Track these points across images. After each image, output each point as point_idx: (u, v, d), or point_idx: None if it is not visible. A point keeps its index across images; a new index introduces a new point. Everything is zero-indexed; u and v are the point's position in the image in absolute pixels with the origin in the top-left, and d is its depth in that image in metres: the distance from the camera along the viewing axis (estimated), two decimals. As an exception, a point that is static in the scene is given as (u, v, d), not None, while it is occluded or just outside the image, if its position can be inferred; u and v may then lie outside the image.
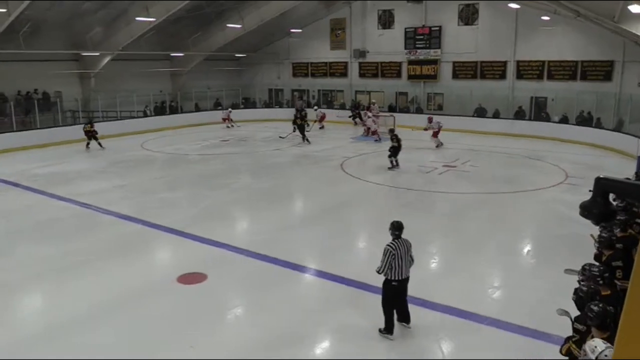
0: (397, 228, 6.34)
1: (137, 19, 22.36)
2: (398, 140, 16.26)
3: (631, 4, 14.46)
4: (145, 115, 26.39)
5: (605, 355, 3.45)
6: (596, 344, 3.65)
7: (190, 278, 8.09)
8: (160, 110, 27.76)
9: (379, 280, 7.80)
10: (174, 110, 28.11)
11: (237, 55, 31.54)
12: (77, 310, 7.12)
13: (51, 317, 7.07)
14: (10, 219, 11.54)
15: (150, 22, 22.55)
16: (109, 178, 15.33)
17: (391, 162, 16.22)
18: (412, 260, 6.45)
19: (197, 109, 28.98)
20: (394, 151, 16.24)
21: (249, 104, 31.77)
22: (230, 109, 27.65)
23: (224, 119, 27.04)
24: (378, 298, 6.55)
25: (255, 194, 13.84)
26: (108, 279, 8.20)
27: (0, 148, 19.16)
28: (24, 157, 18.65)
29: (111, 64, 25.07)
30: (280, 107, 31.19)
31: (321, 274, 8.32)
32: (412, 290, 6.79)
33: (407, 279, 6.35)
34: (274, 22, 27.12)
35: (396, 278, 6.22)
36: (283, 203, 13.04)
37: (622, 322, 0.74)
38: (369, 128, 22.72)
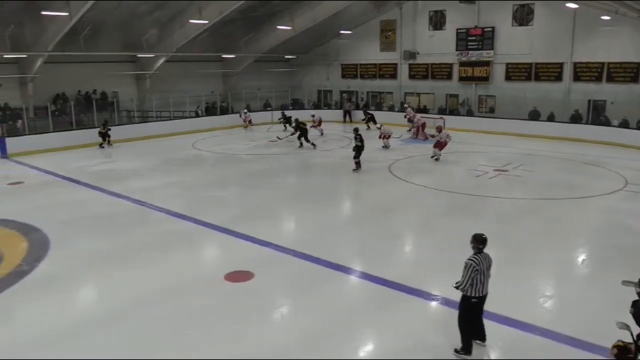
0: (480, 242, 5.89)
1: (191, 21, 22.90)
2: (362, 140, 15.88)
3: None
4: (197, 116, 27.00)
5: None
6: None
7: (237, 276, 8.20)
8: (211, 111, 28.34)
9: (423, 284, 7.71)
10: (224, 111, 28.63)
11: (287, 56, 31.82)
12: (126, 301, 7.35)
13: (101, 307, 7.31)
14: (68, 212, 12.03)
15: (204, 24, 23.05)
16: (160, 176, 15.76)
17: (356, 163, 15.87)
18: (490, 275, 6.01)
19: (249, 109, 29.39)
20: (358, 151, 15.83)
21: (297, 104, 31.97)
22: (246, 110, 27.19)
23: (245, 121, 26.63)
24: (421, 302, 6.44)
25: (302, 194, 13.92)
26: (158, 273, 8.42)
27: (61, 145, 20.01)
28: (82, 154, 19.41)
29: (165, 65, 25.82)
30: (329, 108, 31.24)
31: (366, 276, 8.26)
32: (455, 295, 6.63)
33: (486, 296, 5.95)
34: (325, 23, 27.21)
35: (477, 295, 5.82)
36: (330, 204, 13.04)
37: None
38: (417, 129, 22.47)
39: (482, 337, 6.13)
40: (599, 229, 10.93)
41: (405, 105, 25.94)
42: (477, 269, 5.74)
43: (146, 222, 11.33)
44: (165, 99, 25.23)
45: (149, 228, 10.93)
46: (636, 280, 5.26)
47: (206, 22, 22.87)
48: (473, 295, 5.83)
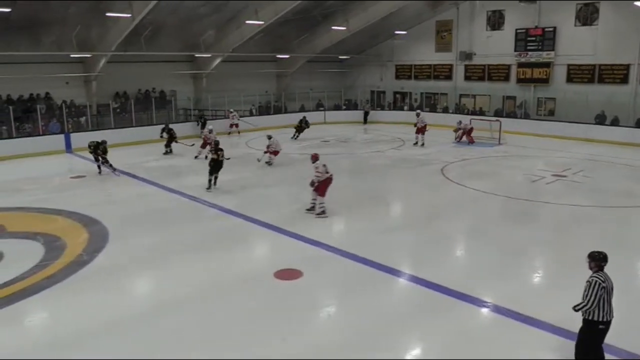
0: (603, 259, 5.38)
1: (247, 22, 23.30)
2: (217, 152, 13.71)
3: None
4: (251, 115, 27.44)
5: None
6: None
7: (287, 274, 8.28)
8: (265, 110, 28.72)
9: (474, 290, 7.54)
10: (277, 110, 28.96)
11: (340, 57, 31.86)
12: (177, 296, 7.56)
13: (153, 299, 7.59)
14: (126, 206, 12.54)
15: (260, 24, 23.41)
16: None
17: (210, 180, 13.64)
18: None
19: (302, 109, 29.63)
20: (215, 166, 13.55)
21: (350, 105, 31.96)
22: (235, 112, 24.73)
23: (232, 125, 24.30)
24: (471, 308, 6.25)
25: (353, 195, 13.87)
26: (209, 268, 8.63)
27: (121, 142, 20.80)
28: (141, 151, 20.10)
29: (221, 65, 26.40)
30: (382, 109, 31.08)
31: (415, 279, 8.16)
32: (510, 303, 6.47)
33: (611, 321, 5.30)
34: (379, 24, 27.07)
35: (605, 319, 5.19)
36: (380, 206, 12.97)
37: None
38: (463, 133, 21.95)
39: None
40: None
41: (417, 112, 22.79)
42: (604, 286, 5.17)
43: (200, 218, 11.62)
44: (221, 98, 25.77)
45: (202, 224, 11.21)
46: None
47: (262, 22, 23.22)
48: (601, 319, 5.19)
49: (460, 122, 22.35)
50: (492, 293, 7.55)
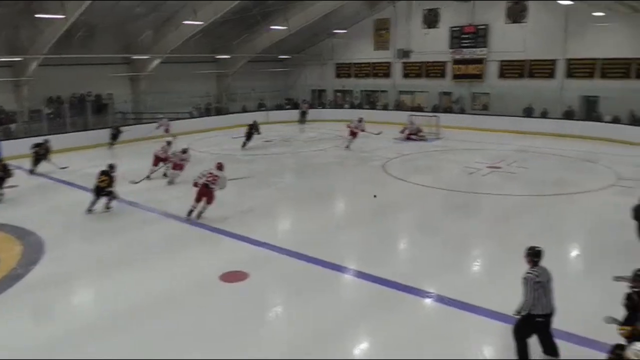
0: (535, 255, 5.60)
1: (186, 22, 22.89)
2: (5, 170, 13.29)
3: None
4: (192, 117, 26.98)
5: None
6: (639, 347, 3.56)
7: (233, 276, 8.23)
8: (206, 112, 28.31)
9: (422, 283, 7.77)
10: (219, 112, 28.60)
11: (281, 56, 31.83)
12: (121, 306, 7.36)
13: (99, 311, 7.34)
14: (62, 215, 12.05)
15: (198, 25, 23.05)
16: (156, 178, 15.72)
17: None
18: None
19: (244, 109, 29.39)
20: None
21: (292, 104, 32.00)
22: (165, 118, 23.15)
23: (167, 131, 22.29)
24: (419, 300, 6.45)
25: (299, 194, 13.95)
26: (153, 275, 8.44)
27: (56, 148, 19.94)
28: (76, 157, 19.34)
29: (160, 66, 25.76)
30: (324, 107, 31.29)
31: (363, 275, 8.30)
32: (456, 294, 6.70)
33: (552, 314, 5.56)
34: (319, 23, 27.24)
35: (542, 312, 5.43)
36: (326, 204, 13.09)
37: None
38: (410, 132, 22.40)
39: (554, 352, 5.70)
40: (592, 224, 11.01)
41: (360, 117, 21.78)
42: (539, 281, 5.40)
43: (142, 224, 11.33)
44: (160, 100, 25.19)
45: (144, 230, 10.94)
46: (628, 275, 5.33)
47: (201, 23, 22.88)
48: (538, 313, 5.41)
49: (412, 123, 22.78)
50: (439, 285, 7.80)
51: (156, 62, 25.68)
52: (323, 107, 31.33)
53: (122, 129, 21.73)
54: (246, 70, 30.05)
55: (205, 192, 11.12)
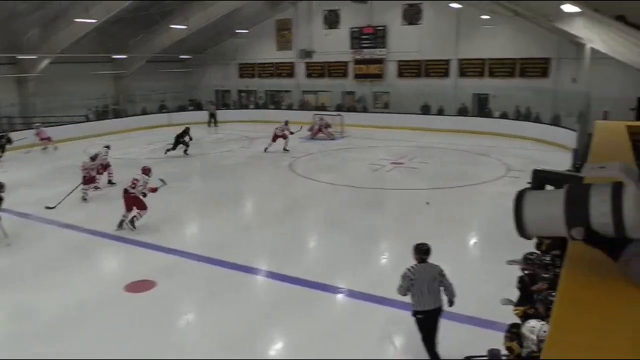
0: (420, 252, 5.70)
1: (77, 20, 21.60)
2: None
3: (564, 3, 15.17)
4: (88, 120, 25.54)
5: (544, 332, 3.65)
6: (533, 324, 3.86)
7: (139, 286, 7.91)
8: (103, 115, 26.92)
9: (334, 280, 7.90)
10: (117, 114, 27.30)
11: (182, 56, 30.95)
12: (22, 326, 6.85)
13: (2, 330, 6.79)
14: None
15: (91, 23, 21.84)
16: (52, 186, 14.72)
17: None
18: (447, 286, 5.73)
19: (144, 112, 28.26)
20: None
21: (195, 105, 31.26)
22: (39, 124, 21.29)
23: (43, 139, 20.57)
24: (331, 297, 6.56)
25: (206, 197, 13.68)
26: (55, 289, 7.90)
27: None
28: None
29: (50, 67, 24.08)
30: (228, 108, 30.87)
31: (275, 276, 8.31)
32: (368, 288, 6.88)
33: (436, 311, 5.64)
34: (220, 22, 26.81)
35: (420, 309, 5.58)
36: (235, 206, 12.94)
37: (557, 301, 0.82)
38: (318, 129, 22.65)
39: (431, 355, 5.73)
40: (487, 213, 11.78)
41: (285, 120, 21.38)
42: (412, 279, 5.52)
43: (41, 236, 10.54)
44: (52, 103, 23.59)
45: (43, 242, 10.19)
46: (520, 258, 5.76)
47: (94, 21, 21.70)
48: (417, 309, 5.60)
49: (322, 119, 22.98)
50: (349, 279, 7.98)
51: (46, 62, 23.97)
52: (228, 108, 30.89)
53: (12, 137, 19.91)
54: (146, 70, 28.87)
55: (129, 199, 10.49)
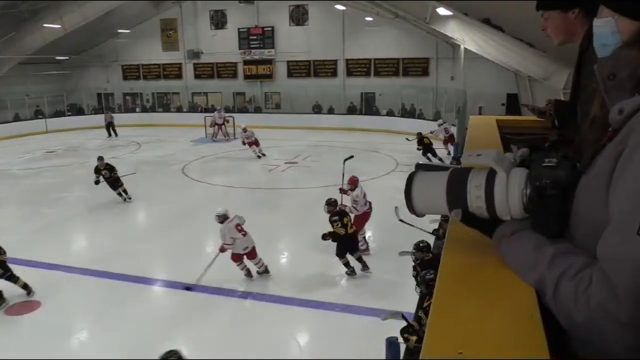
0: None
1: None
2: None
3: (439, 6, 16.16)
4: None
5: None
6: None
7: (21, 308, 7.29)
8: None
9: (232, 283, 7.84)
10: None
11: (58, 57, 28.83)
12: None
13: None
14: None
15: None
16: None
17: None
18: None
19: (17, 118, 26.00)
20: None
21: (75, 110, 29.33)
22: None
23: None
24: (231, 300, 6.48)
25: (92, 206, 12.88)
26: None
27: None
28: None
29: None
30: (113, 112, 29.27)
31: (170, 284, 8.05)
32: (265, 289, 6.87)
33: None
34: (98, 22, 25.32)
35: None
36: (125, 214, 12.32)
37: (438, 279, 0.90)
38: (218, 128, 22.35)
39: None
40: (381, 207, 12.21)
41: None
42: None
43: None
44: None
45: None
46: (411, 250, 6.08)
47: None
48: None
49: (222, 116, 22.53)
50: (247, 283, 7.92)
51: None
52: (113, 112, 29.26)
53: None
54: (17, 73, 26.51)
55: None
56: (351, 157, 10.65)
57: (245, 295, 7.61)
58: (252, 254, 8.04)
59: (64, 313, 7.33)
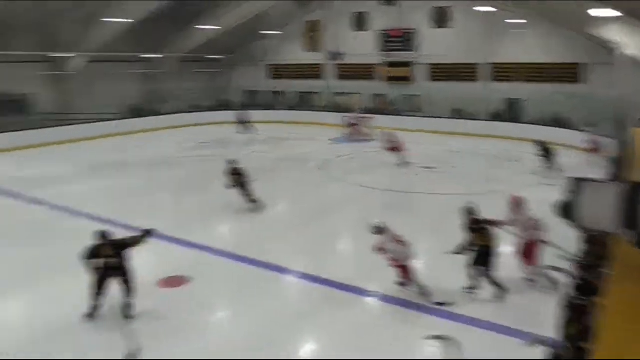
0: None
1: (112, 19, 22.00)
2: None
3: (598, 6, 14.80)
4: (122, 118, 25.99)
5: None
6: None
7: (172, 281, 8.04)
8: (136, 113, 27.37)
9: (364, 283, 7.91)
10: (149, 113, 27.71)
11: (213, 57, 31.20)
12: (57, 316, 7.04)
13: (32, 321, 7.03)
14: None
15: (127, 22, 22.24)
16: (87, 181, 15.07)
17: None
18: None
19: (176, 111, 28.60)
20: None
21: (224, 105, 31.45)
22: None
23: None
24: (359, 299, 6.54)
25: (238, 196, 13.76)
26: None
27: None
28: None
29: (87, 65, 24.60)
30: (257, 109, 30.98)
31: (305, 277, 8.34)
32: (397, 293, 6.83)
33: None
34: (250, 23, 27.00)
35: None
36: (267, 206, 12.97)
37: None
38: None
39: None
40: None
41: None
42: None
43: (76, 230, 10.75)
44: (87, 101, 24.09)
45: (77, 235, 10.39)
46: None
47: (130, 20, 22.08)
48: None
49: (359, 117, 23.05)
50: (379, 283, 7.94)
51: (82, 61, 24.52)
52: (257, 109, 30.96)
53: None
54: (176, 70, 29.24)
55: None
56: None
57: (373, 294, 7.64)
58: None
59: (208, 290, 7.93)
